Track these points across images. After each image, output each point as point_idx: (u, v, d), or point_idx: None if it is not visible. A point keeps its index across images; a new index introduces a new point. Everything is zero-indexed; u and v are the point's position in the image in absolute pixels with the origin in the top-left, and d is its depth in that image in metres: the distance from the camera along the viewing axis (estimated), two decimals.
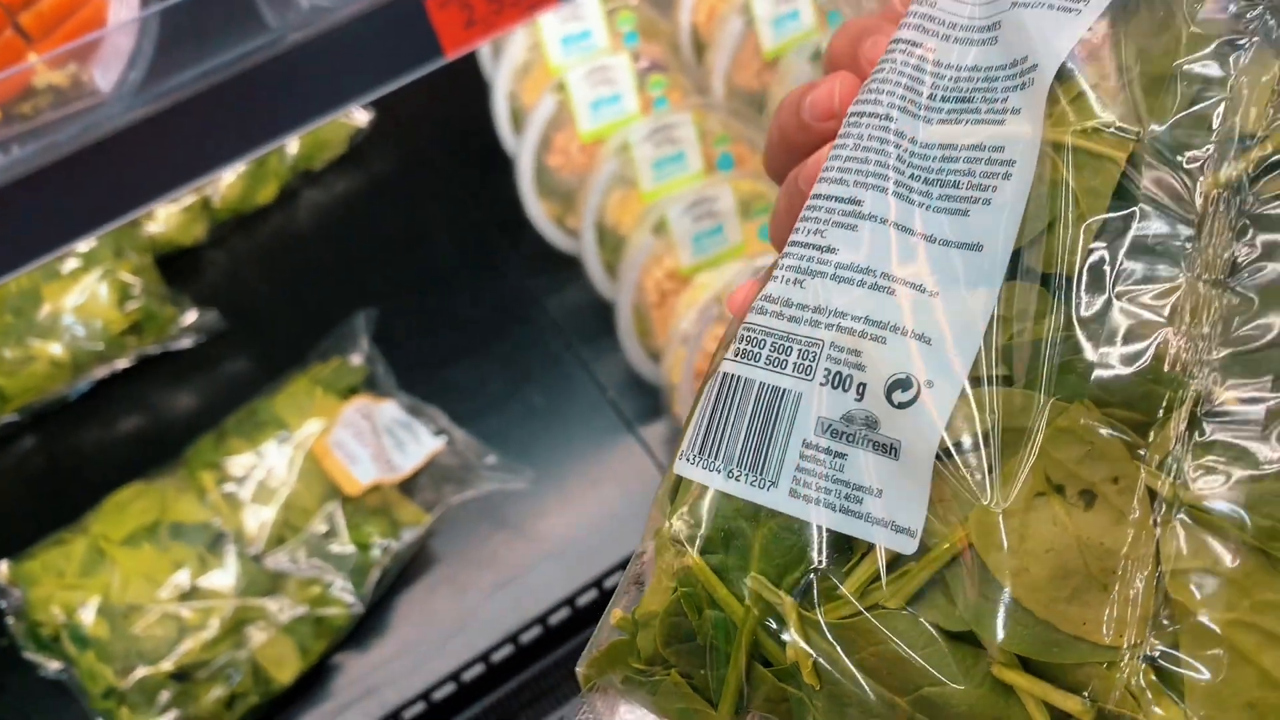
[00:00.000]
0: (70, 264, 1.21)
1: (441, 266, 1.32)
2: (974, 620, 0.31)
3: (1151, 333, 0.31)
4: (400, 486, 1.10)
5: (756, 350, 0.36)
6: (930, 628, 0.32)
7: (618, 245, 1.18)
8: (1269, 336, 0.30)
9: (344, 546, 1.05)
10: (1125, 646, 0.30)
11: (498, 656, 1.03)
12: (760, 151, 1.22)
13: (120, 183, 0.69)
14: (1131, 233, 0.32)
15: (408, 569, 1.10)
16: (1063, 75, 0.35)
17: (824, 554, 0.33)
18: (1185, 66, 0.33)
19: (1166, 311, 0.31)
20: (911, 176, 0.36)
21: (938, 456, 0.32)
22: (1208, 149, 0.32)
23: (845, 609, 0.33)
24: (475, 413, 1.17)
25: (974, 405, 0.32)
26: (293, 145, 1.36)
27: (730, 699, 0.35)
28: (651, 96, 1.23)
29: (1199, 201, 0.32)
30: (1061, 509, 0.31)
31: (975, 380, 0.32)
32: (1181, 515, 0.30)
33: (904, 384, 0.33)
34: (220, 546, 1.03)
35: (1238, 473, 0.29)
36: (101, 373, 1.23)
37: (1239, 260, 0.31)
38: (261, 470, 1.07)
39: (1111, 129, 0.33)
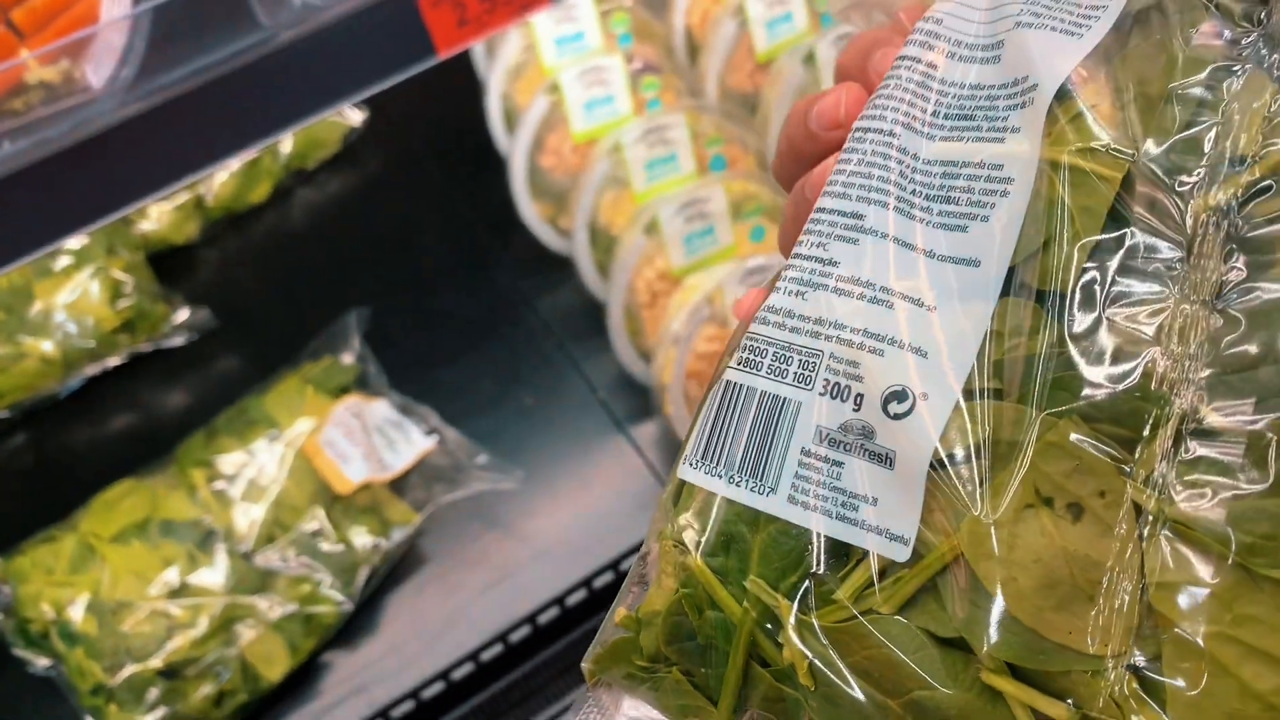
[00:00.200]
0: (62, 261, 1.21)
1: (434, 266, 1.32)
2: (964, 627, 0.32)
3: (1140, 351, 0.32)
4: (391, 485, 1.10)
5: (759, 360, 0.36)
6: (922, 633, 0.32)
7: (610, 245, 1.18)
8: (1254, 358, 0.31)
9: (334, 545, 1.05)
10: (1110, 656, 0.30)
11: (487, 655, 1.03)
12: (752, 153, 1.23)
13: (112, 179, 0.70)
14: (1124, 252, 0.33)
15: (398, 568, 1.10)
16: (1062, 95, 0.35)
17: (821, 559, 0.34)
18: (1180, 90, 0.34)
19: (1155, 331, 0.32)
20: (913, 192, 0.37)
21: (931, 467, 0.33)
22: (1199, 172, 0.33)
23: (840, 613, 0.33)
24: (466, 412, 1.17)
25: (967, 418, 0.33)
26: (286, 144, 1.37)
27: (729, 697, 0.35)
28: (644, 98, 1.23)
29: (1190, 223, 0.33)
30: (1050, 521, 0.31)
31: (969, 393, 0.33)
32: (1166, 530, 0.31)
33: (900, 396, 0.33)
34: (210, 544, 1.03)
35: (1221, 490, 0.30)
36: (93, 370, 1.23)
37: (1227, 282, 0.32)
38: (252, 468, 1.07)
39: (1107, 150, 0.34)
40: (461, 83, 1.37)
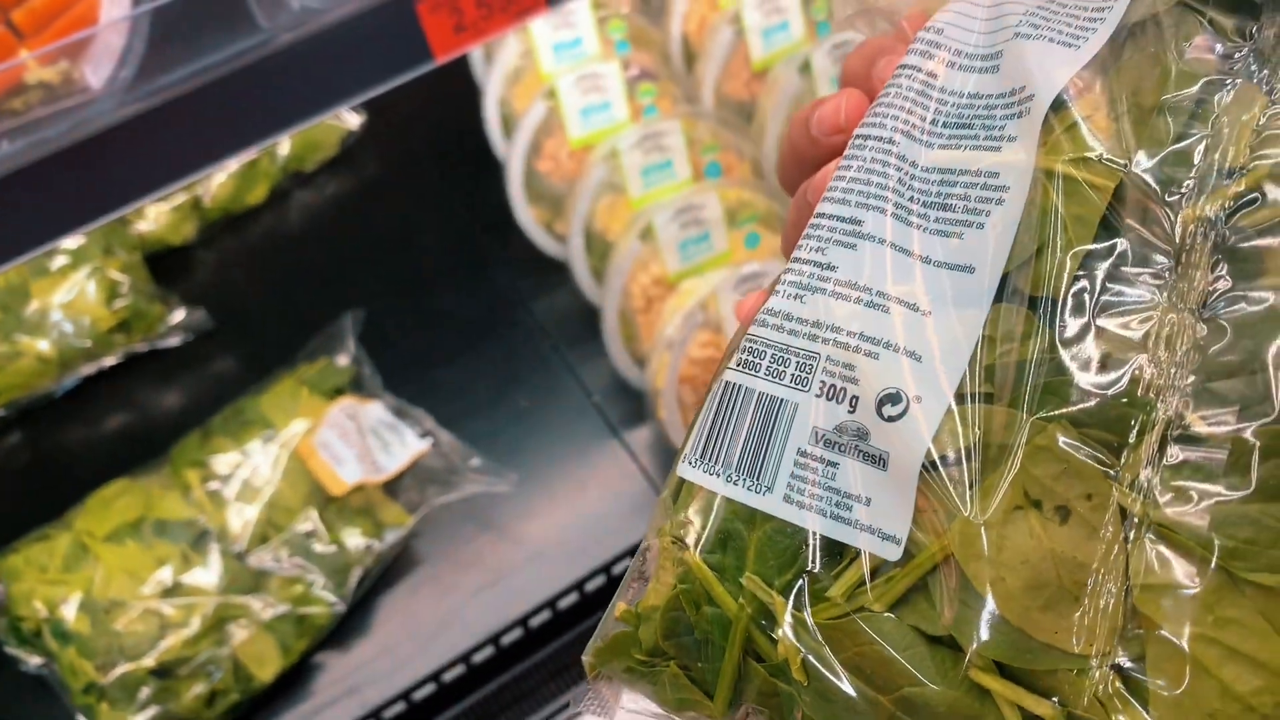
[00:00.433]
0: (59, 261, 1.21)
1: (430, 269, 1.33)
2: (953, 625, 0.32)
3: (1129, 358, 0.33)
4: (384, 487, 1.10)
5: (757, 361, 0.37)
6: (912, 631, 0.33)
7: (605, 251, 1.19)
8: (1237, 366, 0.31)
9: (327, 546, 1.06)
10: (1094, 655, 0.31)
11: (479, 658, 1.04)
12: (747, 160, 1.23)
13: (110, 179, 0.70)
14: (1114, 261, 0.34)
15: (390, 569, 1.10)
16: (1058, 105, 0.36)
17: (815, 557, 0.35)
18: (1172, 103, 0.35)
19: (1143, 338, 0.33)
20: (911, 199, 0.37)
21: (923, 468, 0.33)
22: (1189, 183, 0.34)
23: (833, 610, 0.34)
24: (461, 414, 1.17)
25: (959, 421, 0.33)
26: (284, 146, 1.37)
27: (725, 691, 0.36)
28: (641, 104, 1.24)
29: (1179, 233, 0.33)
30: (1038, 523, 0.32)
31: (961, 397, 0.34)
32: (1150, 534, 0.31)
33: (894, 398, 0.34)
34: (204, 544, 1.04)
35: (1204, 495, 0.31)
36: (88, 370, 1.23)
37: (1213, 291, 0.32)
38: (246, 469, 1.08)
39: (1101, 160, 0.35)
40: (459, 88, 1.38)
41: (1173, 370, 0.32)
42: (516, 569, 1.09)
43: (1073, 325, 0.33)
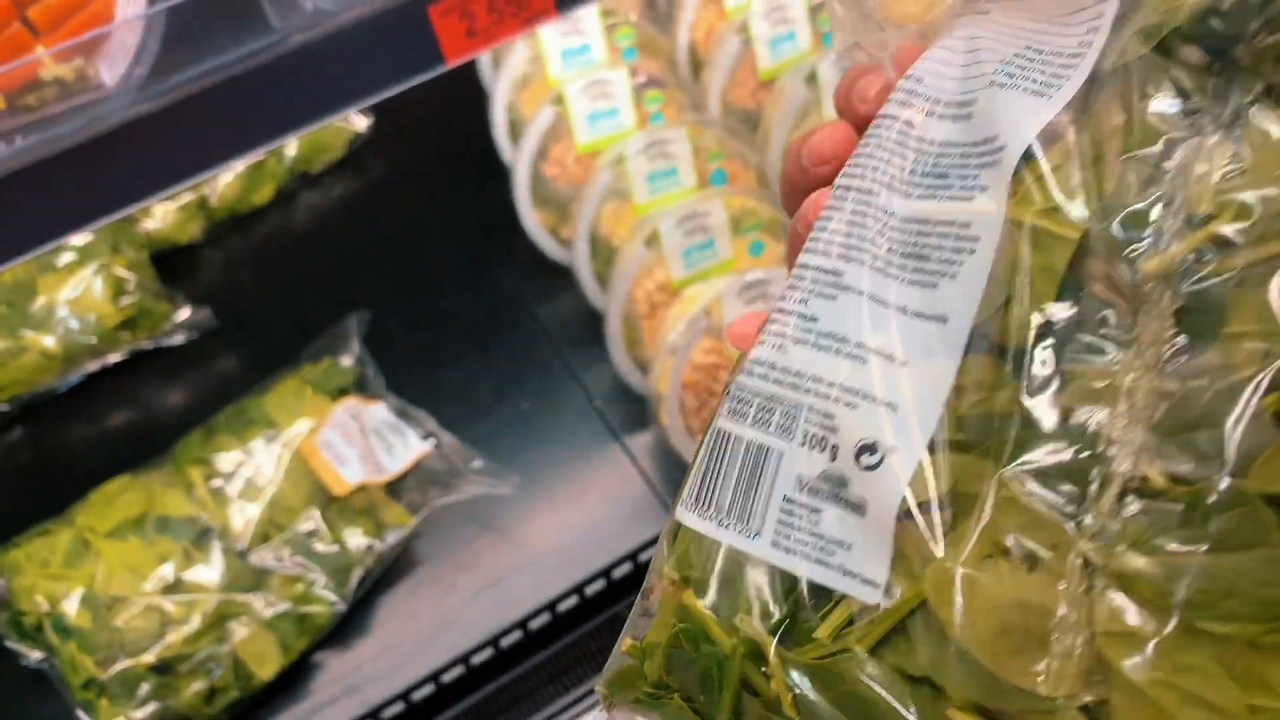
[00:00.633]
0: (66, 257, 1.22)
1: (435, 272, 1.33)
2: (931, 667, 0.34)
3: (1091, 411, 0.34)
4: (386, 488, 1.11)
5: (745, 410, 0.39)
6: (894, 671, 0.34)
7: (610, 256, 1.19)
8: (1194, 421, 0.32)
9: (328, 545, 1.06)
10: (1062, 698, 0.32)
11: (478, 659, 1.04)
12: (753, 169, 1.24)
13: (120, 177, 0.70)
14: (1078, 314, 0.35)
15: (391, 570, 1.10)
16: (1028, 156, 0.37)
17: (803, 600, 0.36)
18: (1135, 157, 0.35)
19: (1105, 391, 0.34)
20: (889, 250, 0.38)
21: (899, 517, 0.35)
22: (1149, 238, 0.34)
23: (820, 650, 0.35)
24: (463, 417, 1.17)
25: (931, 471, 0.35)
26: (291, 147, 1.38)
27: None
28: (648, 111, 1.24)
29: (1139, 287, 0.34)
30: (1007, 570, 0.33)
31: (934, 446, 0.35)
32: (1110, 582, 0.32)
33: (871, 448, 0.35)
34: (205, 542, 1.04)
35: (1161, 547, 0.32)
36: (93, 366, 1.24)
37: (1172, 345, 0.33)
38: (249, 467, 1.08)
39: (1067, 211, 0.36)
40: (466, 92, 1.39)
41: (1133, 423, 0.33)
42: (517, 571, 1.10)
43: (1038, 377, 0.34)
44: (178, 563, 1.02)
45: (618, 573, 1.08)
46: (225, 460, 1.09)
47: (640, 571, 1.08)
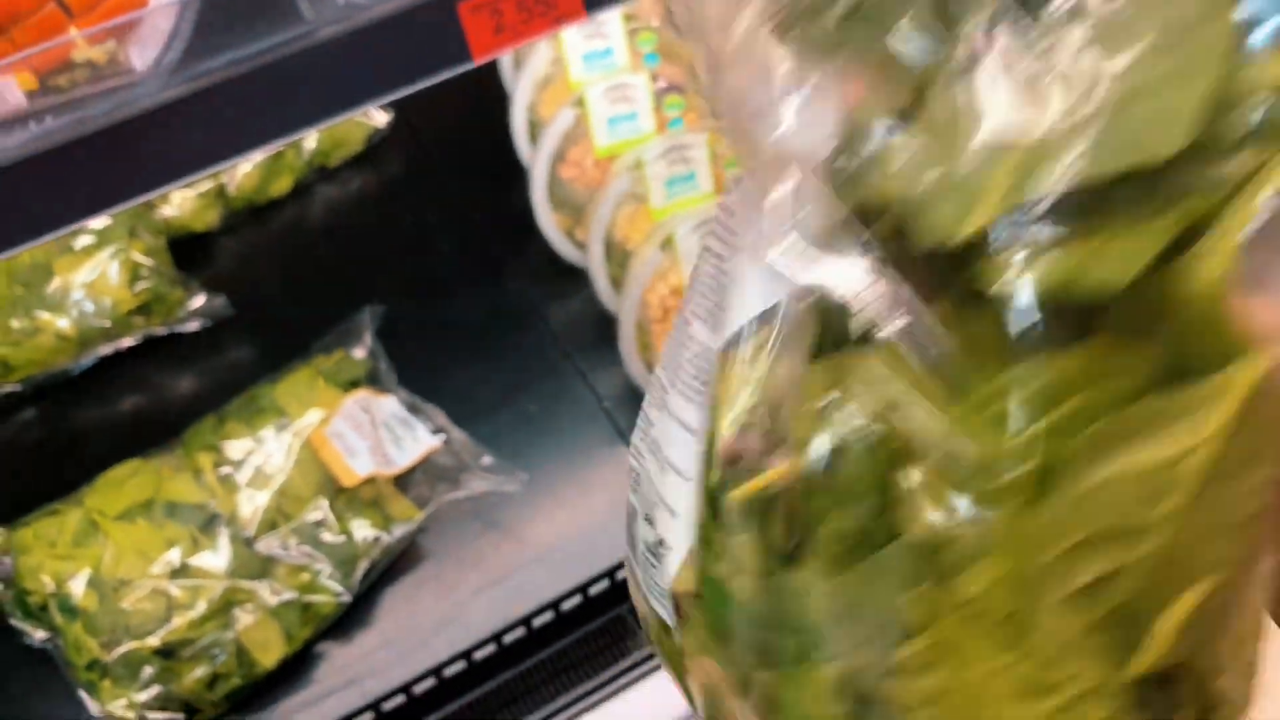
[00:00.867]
0: (83, 240, 1.22)
1: (448, 270, 1.34)
2: None
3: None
4: (395, 481, 1.11)
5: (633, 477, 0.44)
6: None
7: (624, 260, 1.20)
8: None
9: (335, 536, 1.06)
10: None
11: (480, 655, 1.04)
12: None
13: (145, 162, 0.71)
14: None
15: (396, 563, 1.11)
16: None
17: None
18: None
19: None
20: (694, 375, 0.40)
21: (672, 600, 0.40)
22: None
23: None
24: (472, 414, 1.18)
25: (690, 571, 0.39)
26: (310, 140, 1.38)
27: None
28: (667, 116, 1.25)
29: None
30: None
31: (692, 553, 0.39)
32: None
33: (663, 544, 0.40)
34: (213, 528, 1.04)
35: None
36: (106, 350, 1.24)
37: None
38: (259, 455, 1.09)
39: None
40: (486, 92, 1.39)
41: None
42: (521, 569, 1.10)
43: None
44: (185, 548, 1.03)
45: (621, 574, 1.08)
46: (235, 448, 1.09)
47: None
